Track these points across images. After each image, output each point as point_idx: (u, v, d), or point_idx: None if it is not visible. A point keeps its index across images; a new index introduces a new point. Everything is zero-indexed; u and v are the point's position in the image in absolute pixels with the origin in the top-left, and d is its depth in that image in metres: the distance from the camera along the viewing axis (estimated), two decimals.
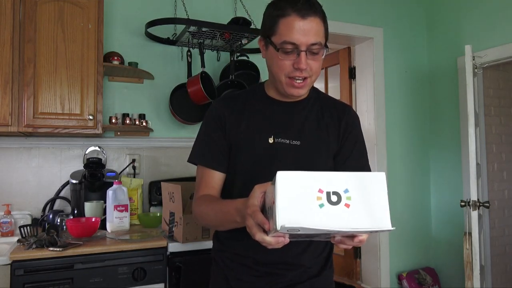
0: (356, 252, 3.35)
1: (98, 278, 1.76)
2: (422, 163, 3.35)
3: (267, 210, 0.78)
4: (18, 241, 1.85)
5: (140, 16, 2.52)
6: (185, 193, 1.84)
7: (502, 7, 2.81)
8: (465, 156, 2.90)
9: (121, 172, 2.42)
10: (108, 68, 2.30)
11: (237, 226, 0.93)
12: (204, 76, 2.40)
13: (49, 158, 2.34)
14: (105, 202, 2.09)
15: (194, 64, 2.54)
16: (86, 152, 2.30)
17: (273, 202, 0.72)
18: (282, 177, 0.73)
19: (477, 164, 2.58)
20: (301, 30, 1.00)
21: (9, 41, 1.98)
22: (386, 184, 0.75)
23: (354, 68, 3.45)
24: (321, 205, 0.72)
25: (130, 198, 2.18)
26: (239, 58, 2.71)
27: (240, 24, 2.49)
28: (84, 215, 2.10)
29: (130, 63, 2.41)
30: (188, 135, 2.62)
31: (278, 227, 0.70)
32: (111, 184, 2.07)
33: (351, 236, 0.81)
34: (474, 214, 2.48)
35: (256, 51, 2.75)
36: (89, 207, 2.10)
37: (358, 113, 1.25)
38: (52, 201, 2.27)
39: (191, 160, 1.17)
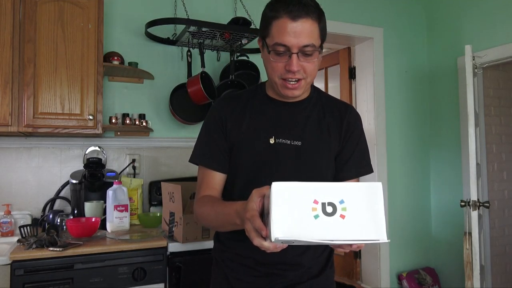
0: (356, 252, 3.35)
1: (98, 278, 1.76)
2: (422, 163, 3.35)
3: (265, 215, 0.77)
4: (18, 241, 1.85)
5: (140, 16, 2.52)
6: (185, 193, 1.84)
7: (502, 7, 2.81)
8: (465, 156, 2.90)
9: (121, 172, 2.42)
10: (108, 68, 2.30)
11: (237, 228, 0.93)
12: (204, 76, 2.40)
13: (49, 158, 2.34)
14: (105, 202, 2.09)
15: (194, 64, 2.54)
16: (86, 152, 2.30)
17: (269, 213, 0.72)
18: (277, 188, 0.72)
19: (477, 164, 2.58)
20: (292, 32, 0.99)
21: (9, 41, 1.98)
22: (383, 194, 0.74)
23: (354, 68, 3.44)
24: (316, 216, 0.71)
25: (130, 198, 2.18)
26: (239, 58, 2.71)
27: (240, 24, 2.49)
28: (84, 215, 2.10)
29: (130, 63, 2.41)
30: (188, 135, 2.62)
31: (273, 239, 0.70)
32: (111, 184, 2.07)
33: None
34: (474, 214, 2.48)
35: (256, 51, 2.75)
36: (89, 207, 2.10)
37: (358, 112, 1.24)
38: (52, 201, 2.27)
39: (192, 160, 1.18)
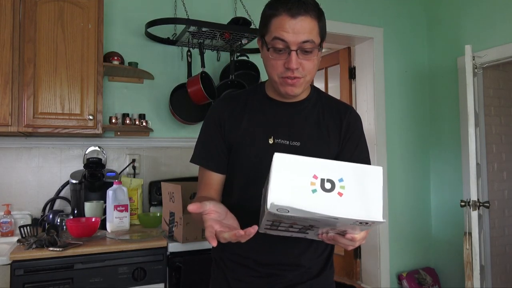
0: (356, 252, 3.35)
1: (98, 278, 1.76)
2: (422, 163, 3.35)
3: (265, 186, 0.79)
4: (18, 241, 1.85)
5: (140, 16, 2.52)
6: (185, 193, 1.84)
7: (502, 7, 2.81)
8: (465, 156, 2.90)
9: (121, 172, 2.42)
10: (108, 68, 2.30)
11: None
12: (204, 76, 2.40)
13: (49, 158, 2.34)
14: (105, 202, 2.09)
15: (194, 64, 2.54)
16: (86, 152, 2.30)
17: (268, 181, 0.73)
18: (279, 158, 0.74)
19: (477, 164, 2.58)
20: (291, 29, 0.99)
21: (9, 41, 1.98)
22: (383, 179, 0.75)
23: (354, 68, 3.45)
24: (314, 191, 0.73)
25: (130, 198, 2.18)
26: (239, 58, 2.71)
27: (240, 24, 2.49)
28: (84, 215, 2.10)
29: (130, 63, 2.41)
30: (188, 135, 2.62)
31: (268, 205, 0.71)
32: (111, 184, 2.07)
33: (343, 233, 0.81)
34: (474, 214, 2.48)
35: (256, 51, 2.75)
36: (89, 207, 2.10)
37: (358, 113, 1.23)
38: (52, 201, 2.27)
39: (192, 160, 1.19)
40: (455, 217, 3.09)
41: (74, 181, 2.16)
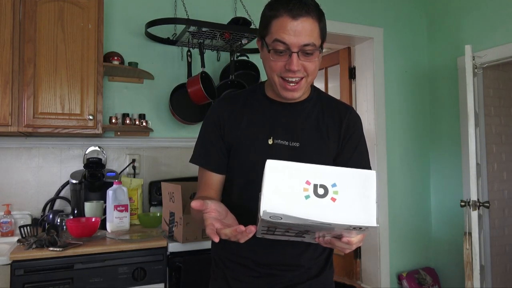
0: (356, 252, 3.35)
1: (98, 278, 1.76)
2: (422, 163, 3.35)
3: (258, 209, 0.80)
4: (18, 241, 1.85)
5: (140, 16, 2.52)
6: (185, 193, 1.84)
7: (502, 7, 2.81)
8: (465, 156, 2.90)
9: (121, 172, 2.42)
10: (108, 68, 2.30)
11: None
12: (204, 76, 2.40)
13: (49, 158, 2.34)
14: (105, 202, 2.09)
15: (194, 64, 2.54)
16: (86, 152, 2.30)
17: (261, 189, 0.73)
18: (271, 165, 0.75)
19: (477, 164, 2.58)
20: (292, 31, 0.98)
21: (9, 41, 1.98)
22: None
23: (354, 68, 3.44)
24: (307, 197, 0.73)
25: (130, 198, 2.18)
26: (239, 58, 2.71)
27: (240, 24, 2.49)
28: (84, 215, 2.10)
29: (130, 63, 2.41)
30: (188, 135, 2.62)
31: (261, 213, 0.71)
32: (111, 184, 2.07)
33: (339, 237, 0.81)
34: (474, 214, 2.48)
35: (256, 51, 2.75)
36: (89, 207, 2.10)
37: (358, 113, 1.23)
38: (52, 201, 2.27)
39: (192, 160, 1.19)
40: (455, 217, 3.09)
41: (74, 181, 2.16)
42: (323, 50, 1.14)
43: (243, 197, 1.09)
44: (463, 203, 2.56)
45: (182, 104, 2.51)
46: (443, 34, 3.27)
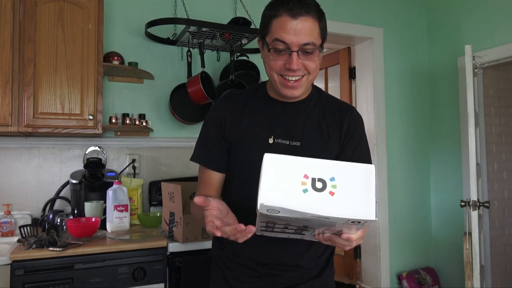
0: (356, 252, 3.35)
1: (98, 278, 1.76)
2: (422, 163, 3.35)
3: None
4: (18, 241, 1.85)
5: (140, 16, 2.52)
6: (185, 193, 1.84)
7: (502, 7, 2.81)
8: (465, 156, 2.90)
9: (121, 172, 2.42)
10: (108, 68, 2.30)
11: None
12: (204, 76, 2.40)
13: (49, 158, 2.34)
14: (105, 202, 2.09)
15: (194, 64, 2.54)
16: (86, 152, 2.30)
17: (259, 182, 0.73)
18: (269, 159, 0.74)
19: (477, 164, 2.58)
20: (292, 30, 0.98)
21: (9, 41, 1.98)
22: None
23: (354, 68, 3.44)
24: (305, 190, 0.72)
25: (130, 198, 2.18)
26: (239, 58, 2.71)
27: (240, 24, 2.49)
28: (84, 215, 2.10)
29: (130, 63, 2.41)
30: (188, 135, 2.62)
31: (258, 206, 0.70)
32: (111, 184, 2.07)
33: (339, 233, 0.81)
34: (474, 214, 2.48)
35: (256, 51, 2.75)
36: (89, 207, 2.10)
37: (359, 113, 1.22)
38: (52, 201, 2.27)
39: (192, 159, 1.19)
40: (455, 217, 3.09)
41: (74, 181, 2.16)
42: (323, 50, 1.14)
43: (243, 196, 1.09)
44: (463, 203, 2.56)
45: (182, 104, 2.51)
46: (443, 34, 3.27)
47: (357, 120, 1.17)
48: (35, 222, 2.20)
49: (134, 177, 2.45)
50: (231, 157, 1.13)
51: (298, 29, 0.98)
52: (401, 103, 3.32)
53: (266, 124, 1.11)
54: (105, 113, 2.36)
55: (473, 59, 2.59)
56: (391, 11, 3.32)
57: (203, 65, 2.44)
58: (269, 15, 1.03)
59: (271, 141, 1.09)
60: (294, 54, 1.00)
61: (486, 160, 3.00)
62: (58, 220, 2.05)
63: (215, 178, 1.14)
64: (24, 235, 1.90)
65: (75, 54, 2.10)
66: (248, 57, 2.73)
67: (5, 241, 2.04)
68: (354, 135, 1.15)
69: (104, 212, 2.10)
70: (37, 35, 2.03)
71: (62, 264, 1.71)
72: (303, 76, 1.04)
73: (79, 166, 2.33)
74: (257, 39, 1.14)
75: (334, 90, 3.80)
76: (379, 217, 3.07)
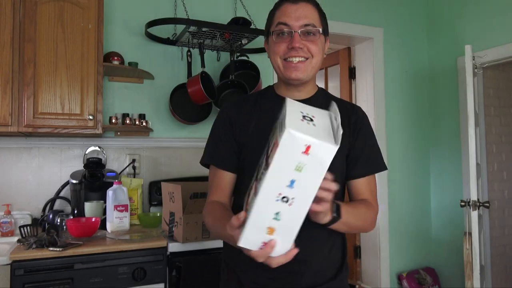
0: (356, 252, 3.35)
1: (98, 278, 1.76)
2: (422, 163, 3.35)
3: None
4: (18, 241, 1.85)
5: (140, 16, 2.52)
6: (185, 193, 1.84)
7: (502, 8, 2.81)
8: (465, 156, 2.90)
9: (121, 172, 2.42)
10: (108, 68, 2.30)
11: None
12: (204, 76, 2.40)
13: (49, 158, 2.34)
14: (105, 202, 2.09)
15: (194, 64, 2.54)
16: (86, 152, 2.30)
17: (282, 120, 0.77)
18: (290, 101, 0.85)
19: (477, 164, 2.58)
20: (293, 13, 1.06)
21: (9, 41, 1.98)
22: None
23: (354, 68, 3.44)
24: (307, 123, 0.78)
25: (130, 198, 2.18)
26: (239, 58, 2.71)
27: (240, 24, 2.49)
28: (84, 215, 2.10)
29: (130, 63, 2.41)
30: (188, 135, 2.62)
31: (286, 131, 0.71)
32: (111, 184, 2.07)
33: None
34: (474, 214, 2.48)
35: (256, 51, 2.75)
36: (89, 207, 2.10)
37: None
38: (52, 201, 2.27)
39: (202, 161, 1.19)
40: (455, 217, 3.09)
41: (74, 181, 2.16)
42: (328, 48, 1.15)
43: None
44: (463, 203, 2.56)
45: (182, 104, 2.51)
46: (443, 34, 3.27)
47: (364, 116, 1.20)
48: (35, 222, 2.20)
49: (134, 177, 2.45)
50: (242, 157, 1.13)
51: (299, 12, 1.07)
52: (401, 103, 3.32)
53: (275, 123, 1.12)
54: (105, 113, 2.36)
55: (473, 59, 2.59)
56: (391, 11, 3.32)
57: (203, 65, 2.44)
58: (273, 9, 1.12)
59: None
60: (296, 34, 1.06)
61: (486, 160, 3.00)
62: (58, 220, 2.05)
63: (227, 179, 1.14)
64: (24, 235, 1.90)
65: (75, 54, 2.10)
66: (248, 57, 2.73)
67: (5, 241, 2.04)
68: (362, 130, 1.17)
69: (104, 212, 2.10)
70: (37, 35, 2.03)
71: (62, 264, 1.71)
72: (306, 59, 1.07)
73: (79, 166, 2.33)
74: (264, 42, 1.19)
75: (334, 90, 3.79)
76: (380, 216, 3.07)
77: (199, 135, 2.60)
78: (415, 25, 3.40)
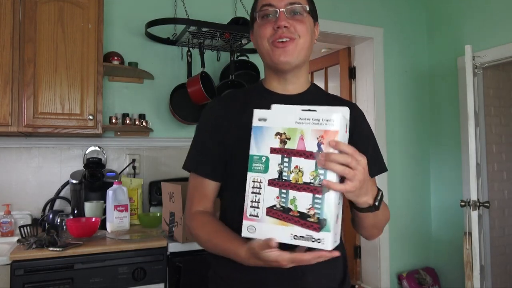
0: (356, 252, 3.35)
1: (98, 278, 1.76)
2: (422, 163, 3.35)
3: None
4: (18, 241, 1.85)
5: (140, 16, 2.52)
6: (185, 193, 1.83)
7: (502, 8, 2.81)
8: (465, 156, 2.90)
9: (121, 172, 2.42)
10: (108, 68, 2.30)
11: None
12: (204, 76, 2.40)
13: (49, 158, 2.34)
14: (105, 202, 2.09)
15: (194, 64, 2.54)
16: (86, 152, 2.30)
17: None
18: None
19: (477, 164, 2.58)
20: None
21: (9, 41, 1.98)
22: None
23: (354, 68, 3.45)
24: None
25: (130, 198, 2.18)
26: (239, 58, 2.71)
27: (240, 24, 2.49)
28: (84, 215, 2.10)
29: (130, 63, 2.41)
30: (188, 135, 2.62)
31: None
32: (111, 184, 2.07)
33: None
34: (474, 214, 2.48)
35: (256, 51, 2.74)
36: (89, 207, 2.10)
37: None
38: (52, 201, 2.27)
39: (185, 167, 1.10)
40: (455, 217, 3.09)
41: (74, 181, 2.16)
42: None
43: (236, 197, 0.95)
44: (463, 203, 2.56)
45: (182, 104, 2.51)
46: (443, 34, 3.27)
47: (361, 114, 1.12)
48: (35, 222, 2.20)
49: (134, 177, 2.45)
50: (233, 159, 1.02)
51: None
52: (401, 103, 3.32)
53: None
54: (105, 113, 2.36)
55: (473, 59, 2.59)
56: (391, 11, 3.32)
57: (203, 65, 2.44)
58: None
59: None
60: (281, 12, 0.99)
61: (486, 160, 3.00)
62: (58, 220, 2.04)
63: (211, 188, 1.05)
64: (24, 235, 1.90)
65: (75, 54, 2.10)
66: (248, 57, 2.73)
67: (5, 241, 2.04)
68: (362, 125, 1.09)
69: (104, 212, 2.10)
70: (37, 35, 2.03)
71: (62, 264, 1.71)
72: (294, 39, 0.99)
73: (79, 166, 2.33)
74: (250, 33, 1.11)
75: (334, 90, 3.80)
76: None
77: None
78: (415, 25, 3.40)
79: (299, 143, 0.76)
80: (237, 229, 0.85)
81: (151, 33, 2.49)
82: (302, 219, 0.75)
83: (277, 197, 0.77)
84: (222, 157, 1.03)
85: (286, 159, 0.77)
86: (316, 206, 0.74)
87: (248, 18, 2.54)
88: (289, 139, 0.77)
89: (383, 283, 3.12)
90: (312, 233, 0.74)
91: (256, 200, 0.79)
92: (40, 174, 2.32)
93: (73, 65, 2.09)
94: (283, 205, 0.76)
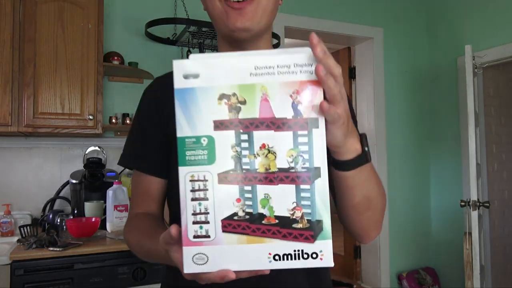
0: (356, 252, 3.35)
1: (98, 278, 1.76)
2: (422, 163, 3.35)
3: None
4: (18, 241, 1.85)
5: (140, 16, 2.52)
6: None
7: (502, 8, 2.81)
8: (465, 156, 2.90)
9: (121, 172, 2.42)
10: (108, 68, 2.30)
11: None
12: None
13: (49, 158, 2.34)
14: (105, 202, 2.09)
15: None
16: (86, 152, 2.30)
17: None
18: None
19: (477, 164, 2.58)
20: None
21: (9, 41, 1.98)
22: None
23: (354, 68, 3.45)
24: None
25: (130, 198, 2.18)
26: None
27: None
28: (84, 215, 2.10)
29: (130, 63, 2.41)
30: None
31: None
32: (111, 184, 2.07)
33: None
34: (474, 214, 2.48)
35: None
36: (89, 207, 2.10)
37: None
38: (52, 201, 2.27)
39: (121, 162, 0.88)
40: (455, 217, 3.09)
41: (74, 181, 2.16)
42: None
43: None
44: (463, 203, 2.56)
45: None
46: (443, 34, 3.27)
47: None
48: (35, 222, 2.20)
49: None
50: (174, 151, 0.70)
51: None
52: (401, 103, 3.32)
53: None
54: (105, 113, 2.36)
55: (473, 59, 2.59)
56: (391, 11, 3.32)
57: None
58: None
59: None
60: None
61: (486, 160, 3.00)
62: (58, 220, 2.04)
63: (156, 186, 0.84)
64: (24, 235, 1.90)
65: (75, 54, 2.10)
66: None
67: (5, 241, 2.04)
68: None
69: (104, 212, 2.10)
70: (37, 35, 2.03)
71: (62, 264, 1.71)
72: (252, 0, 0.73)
73: (79, 166, 2.33)
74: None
75: None
76: None
77: None
78: (415, 25, 3.40)
79: (262, 106, 0.48)
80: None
81: (151, 33, 2.49)
82: (284, 227, 0.48)
83: (238, 200, 0.49)
84: (165, 147, 0.83)
85: (244, 136, 0.49)
86: (304, 203, 0.48)
87: None
88: (243, 102, 0.48)
89: (383, 283, 3.12)
90: (304, 246, 0.48)
91: (202, 211, 0.50)
92: (40, 174, 2.32)
93: (73, 65, 2.09)
94: (250, 210, 0.49)
